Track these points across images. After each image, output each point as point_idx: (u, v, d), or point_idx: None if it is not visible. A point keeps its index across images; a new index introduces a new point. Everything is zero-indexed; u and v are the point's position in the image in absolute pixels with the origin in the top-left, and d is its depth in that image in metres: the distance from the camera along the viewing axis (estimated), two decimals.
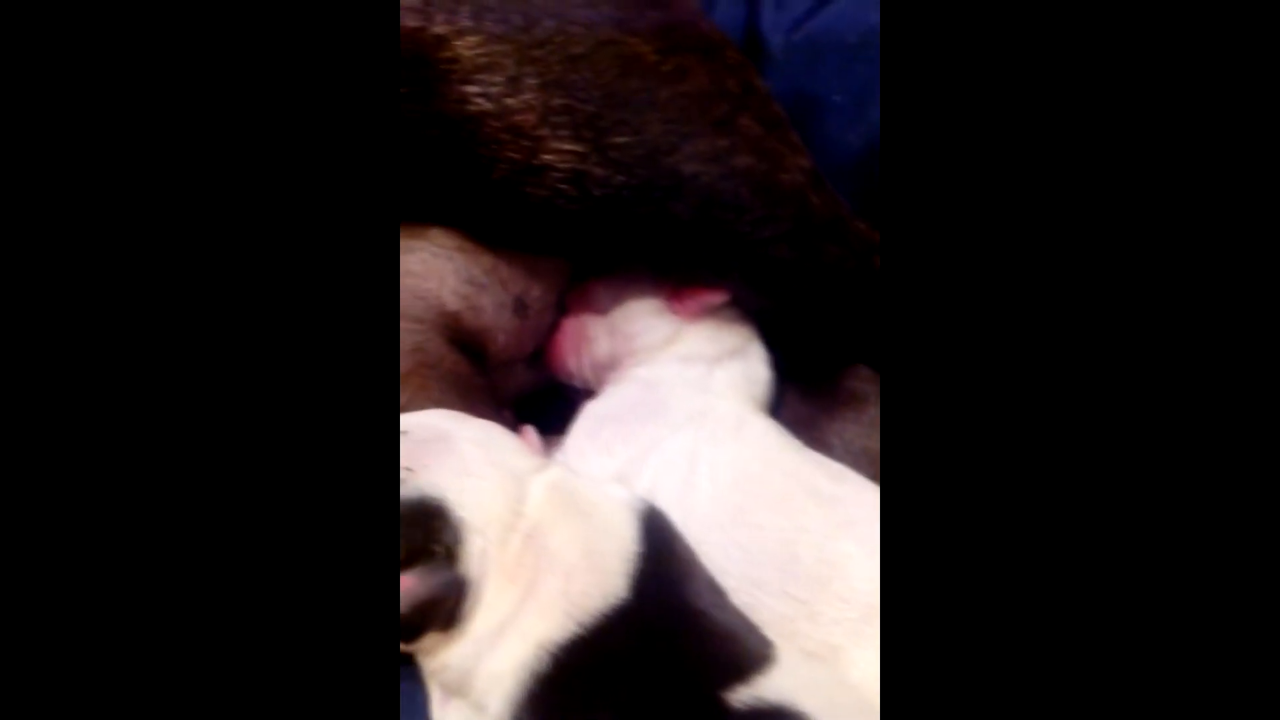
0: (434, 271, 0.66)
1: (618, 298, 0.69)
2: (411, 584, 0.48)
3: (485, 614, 0.49)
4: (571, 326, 0.71)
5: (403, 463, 0.50)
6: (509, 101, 0.58)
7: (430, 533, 0.49)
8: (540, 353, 0.73)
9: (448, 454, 0.52)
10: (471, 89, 0.58)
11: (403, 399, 0.61)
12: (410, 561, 0.49)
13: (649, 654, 0.49)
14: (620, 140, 0.59)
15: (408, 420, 0.54)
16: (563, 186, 0.60)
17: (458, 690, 0.51)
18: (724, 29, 0.68)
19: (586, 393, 0.70)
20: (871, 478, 0.60)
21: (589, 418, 0.64)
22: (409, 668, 0.53)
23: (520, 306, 0.68)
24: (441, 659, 0.50)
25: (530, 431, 0.61)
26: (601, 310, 0.70)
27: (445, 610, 0.49)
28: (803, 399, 0.70)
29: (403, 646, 0.50)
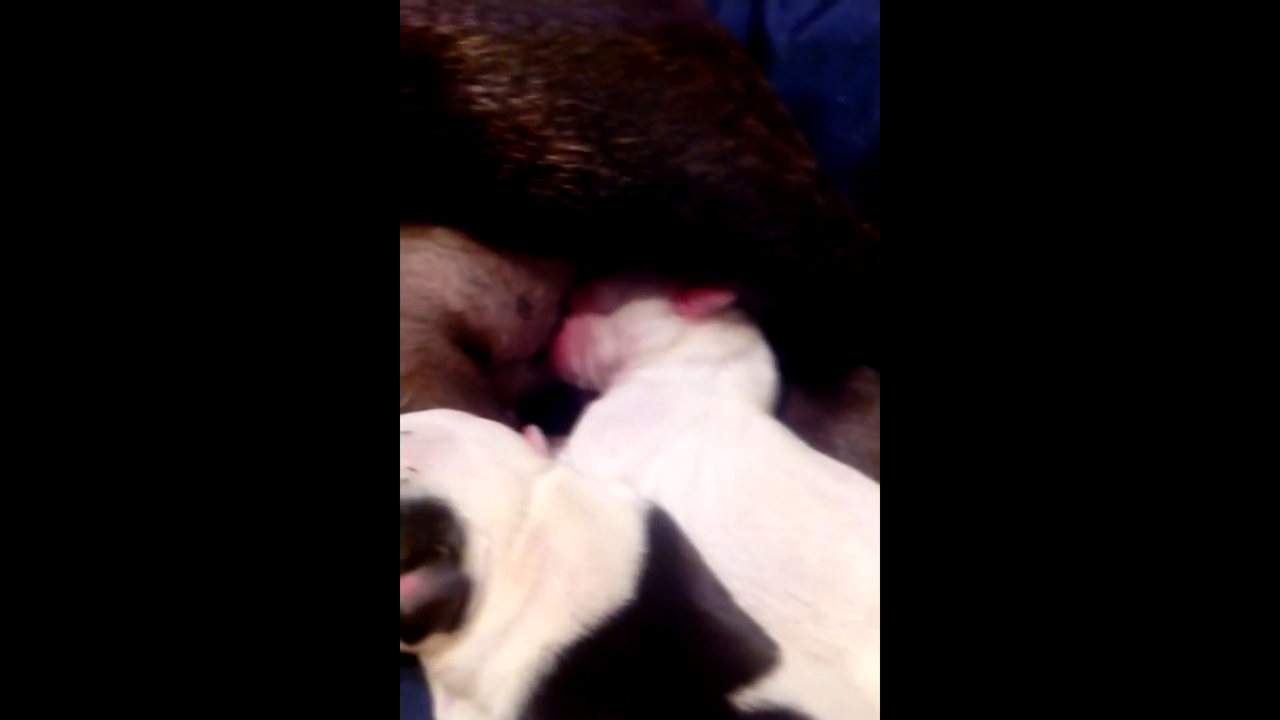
0: (438, 271, 0.65)
1: (623, 299, 0.69)
2: (416, 585, 0.48)
3: (490, 615, 0.49)
4: (575, 327, 0.71)
5: (407, 463, 0.50)
6: (514, 101, 0.58)
7: (435, 533, 0.49)
8: (544, 353, 0.73)
9: (452, 454, 0.52)
10: (476, 89, 0.58)
11: (406, 399, 0.61)
12: (415, 562, 0.48)
13: (654, 656, 0.48)
14: (626, 141, 0.59)
15: (411, 420, 0.54)
16: (568, 187, 0.59)
17: (462, 692, 0.51)
18: (728, 29, 0.68)
19: (590, 393, 0.70)
20: (876, 479, 0.60)
21: (593, 418, 0.64)
22: (413, 669, 0.53)
23: (524, 306, 0.68)
24: (446, 660, 0.50)
25: (534, 432, 0.60)
26: (606, 311, 0.70)
27: (450, 611, 0.49)
28: (807, 400, 0.70)
29: (407, 647, 0.50)
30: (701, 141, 0.60)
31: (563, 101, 0.58)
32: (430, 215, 0.65)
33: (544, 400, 0.74)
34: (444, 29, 0.59)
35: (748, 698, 0.47)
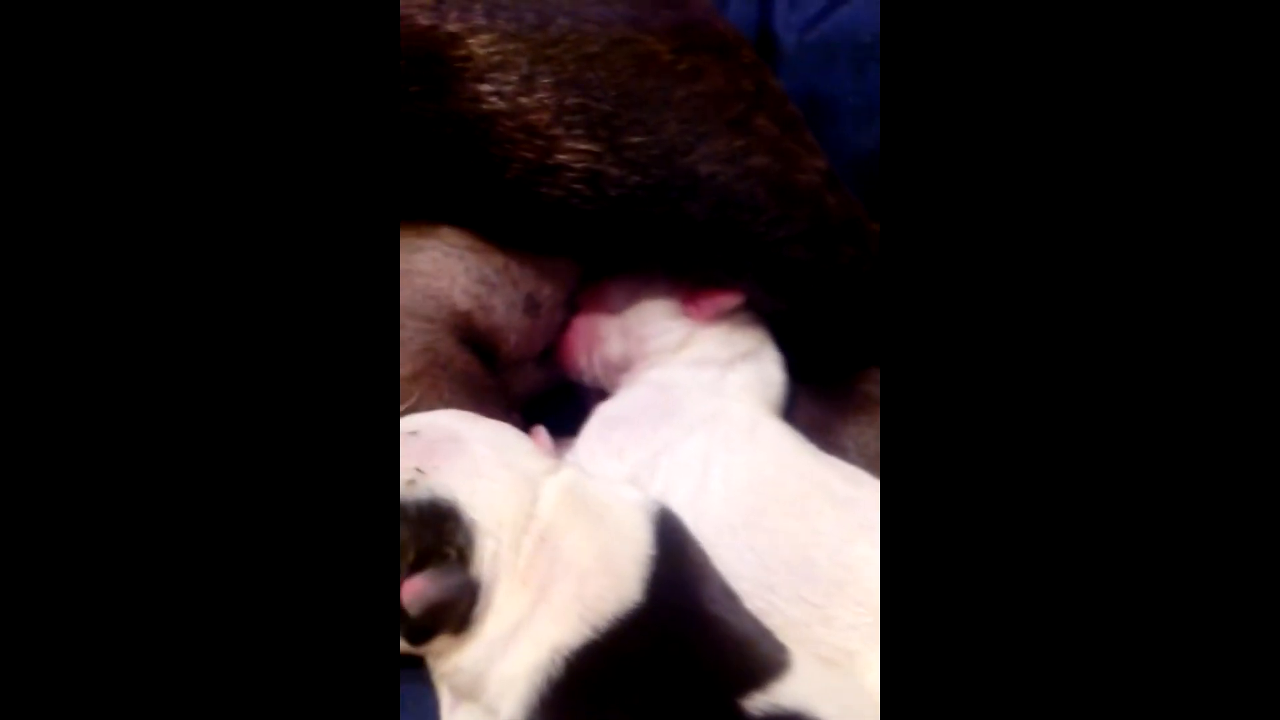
0: (445, 271, 0.65)
1: (632, 299, 0.69)
2: (423, 586, 0.48)
3: (497, 617, 0.49)
4: (584, 325, 0.71)
5: (414, 464, 0.50)
6: (523, 100, 0.58)
7: (442, 534, 0.49)
8: (551, 351, 0.72)
9: (459, 455, 0.51)
10: (485, 88, 0.58)
11: (413, 399, 0.61)
12: (421, 563, 0.48)
13: (663, 660, 0.48)
14: (635, 140, 0.58)
15: (419, 421, 0.54)
16: (577, 186, 0.59)
17: (469, 694, 0.51)
18: (737, 28, 0.68)
19: (598, 394, 0.70)
20: None
21: (600, 420, 0.64)
22: (419, 670, 0.52)
23: (532, 305, 0.68)
24: (453, 662, 0.50)
25: (541, 432, 0.60)
26: (615, 310, 0.69)
27: (457, 613, 0.49)
28: (816, 402, 0.70)
29: (413, 649, 0.50)
30: (711, 141, 0.59)
31: (572, 100, 0.58)
32: (437, 214, 0.65)
33: (551, 401, 0.74)
34: (452, 27, 0.59)
35: (758, 702, 0.47)
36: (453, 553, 0.49)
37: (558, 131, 0.58)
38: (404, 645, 0.49)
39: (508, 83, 0.58)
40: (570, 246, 0.67)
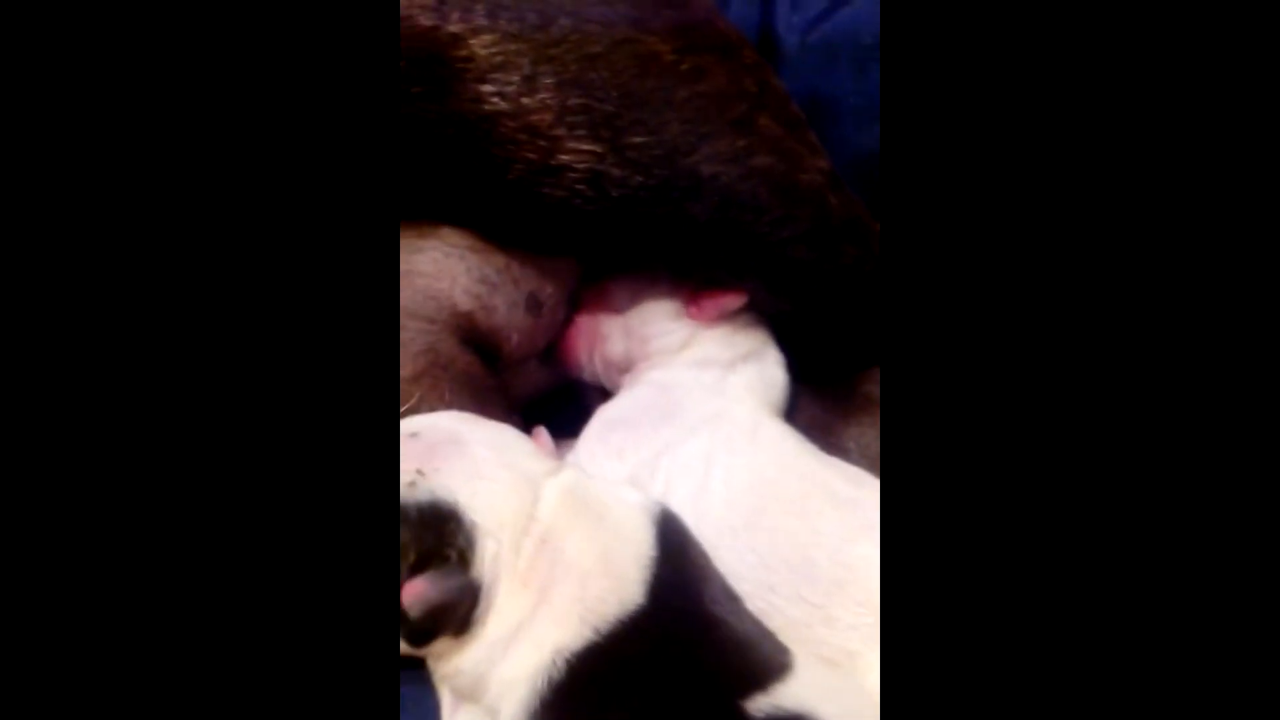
0: (446, 271, 0.65)
1: (635, 299, 0.69)
2: (423, 588, 0.48)
3: (498, 619, 0.49)
4: (586, 324, 0.71)
5: (415, 465, 0.50)
6: (525, 101, 0.58)
7: (443, 536, 0.49)
8: (553, 348, 0.72)
9: (460, 457, 0.51)
10: (487, 88, 0.58)
11: (414, 400, 0.60)
12: (422, 565, 0.48)
13: (666, 662, 0.48)
14: (638, 140, 0.58)
15: (419, 422, 0.54)
16: (580, 187, 0.59)
17: (470, 696, 0.51)
18: (738, 29, 0.68)
19: (599, 395, 0.70)
20: None
21: (601, 421, 0.64)
22: (419, 672, 0.52)
23: (534, 304, 0.68)
24: (454, 664, 0.50)
25: (542, 433, 0.60)
26: (618, 310, 0.70)
27: (457, 615, 0.48)
28: (818, 403, 0.70)
29: (414, 651, 0.50)
30: (714, 141, 0.59)
31: (574, 101, 0.58)
32: (439, 215, 0.64)
33: (552, 402, 0.74)
34: (454, 28, 0.58)
35: (760, 704, 0.47)
36: (453, 555, 0.48)
37: (560, 132, 0.58)
38: (404, 647, 0.49)
39: (510, 83, 0.58)
40: (573, 247, 0.67)
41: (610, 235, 0.62)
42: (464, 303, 0.65)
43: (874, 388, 0.69)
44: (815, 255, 0.62)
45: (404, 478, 0.49)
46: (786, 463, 0.60)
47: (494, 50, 0.58)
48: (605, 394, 0.71)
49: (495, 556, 0.49)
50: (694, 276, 0.67)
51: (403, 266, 0.64)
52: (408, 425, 0.53)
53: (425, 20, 0.59)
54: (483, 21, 0.59)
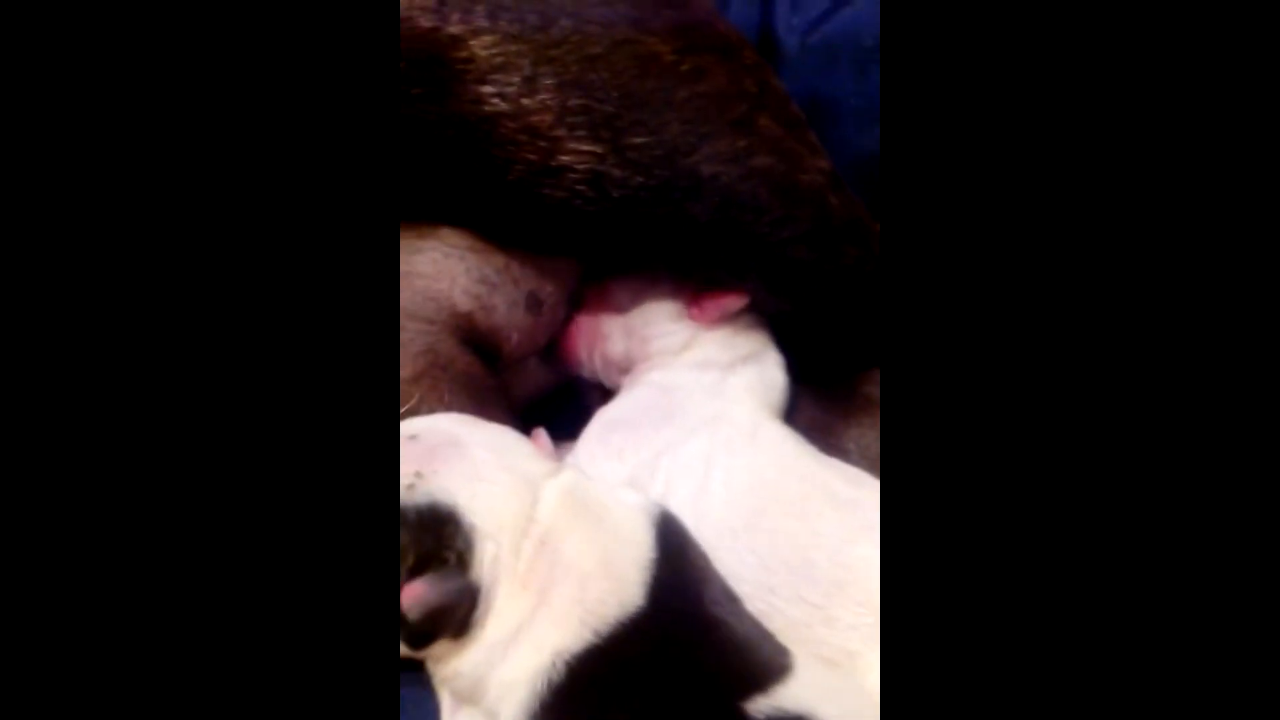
0: (445, 272, 0.65)
1: (636, 299, 0.69)
2: (422, 590, 0.47)
3: (497, 621, 0.49)
4: (587, 323, 0.71)
5: (414, 468, 0.50)
6: (525, 102, 0.58)
7: (441, 539, 0.49)
8: (553, 346, 0.72)
9: (459, 459, 0.51)
10: (487, 89, 0.58)
11: (414, 401, 0.60)
12: (421, 568, 0.48)
13: (666, 664, 0.48)
14: (638, 141, 0.58)
15: (418, 424, 0.54)
16: (580, 188, 0.59)
17: (469, 698, 0.50)
18: (738, 30, 0.68)
19: (599, 396, 0.70)
20: None
21: (600, 422, 0.64)
22: (419, 674, 0.52)
23: (534, 303, 0.68)
24: (453, 666, 0.50)
25: (542, 435, 0.60)
26: (619, 310, 0.70)
27: (457, 617, 0.48)
28: (818, 404, 0.70)
29: (413, 653, 0.50)
30: (714, 141, 0.59)
31: (574, 101, 0.58)
32: (438, 215, 0.64)
33: (551, 403, 0.74)
34: (454, 29, 0.58)
35: (760, 705, 0.47)
36: (452, 557, 0.48)
37: (560, 133, 0.58)
38: (404, 650, 0.49)
39: (510, 84, 0.58)
40: (573, 247, 0.67)
41: (611, 236, 0.62)
42: (463, 303, 0.65)
43: (874, 389, 0.69)
44: (816, 256, 0.62)
45: (403, 480, 0.49)
46: (786, 464, 0.60)
47: (494, 51, 0.58)
48: (605, 393, 0.71)
49: (494, 559, 0.49)
50: (695, 277, 0.67)
51: (402, 267, 0.64)
52: (407, 427, 0.53)
53: (425, 21, 0.59)
54: (483, 23, 0.59)
